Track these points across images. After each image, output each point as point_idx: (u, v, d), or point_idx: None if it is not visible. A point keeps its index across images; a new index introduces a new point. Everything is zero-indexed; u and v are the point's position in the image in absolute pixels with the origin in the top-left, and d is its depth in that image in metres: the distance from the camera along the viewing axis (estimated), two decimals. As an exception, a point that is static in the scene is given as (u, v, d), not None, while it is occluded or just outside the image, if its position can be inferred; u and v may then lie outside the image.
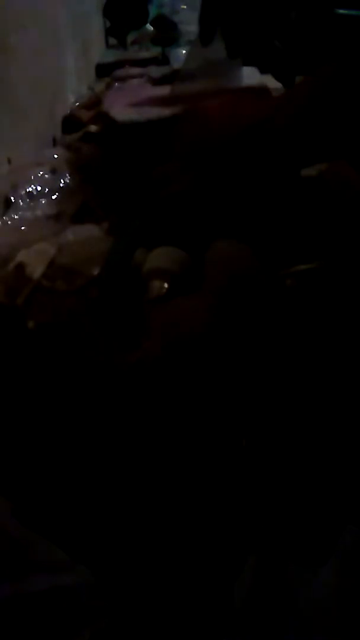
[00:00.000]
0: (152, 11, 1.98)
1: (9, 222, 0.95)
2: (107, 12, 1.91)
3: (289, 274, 0.71)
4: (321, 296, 0.69)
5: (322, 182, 0.81)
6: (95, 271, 0.79)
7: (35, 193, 1.01)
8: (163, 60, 1.69)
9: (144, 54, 1.78)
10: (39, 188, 1.02)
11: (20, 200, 0.99)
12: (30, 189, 1.01)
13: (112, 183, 1.02)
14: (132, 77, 1.46)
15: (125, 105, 1.14)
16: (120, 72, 1.53)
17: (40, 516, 0.59)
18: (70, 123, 1.31)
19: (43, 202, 1.00)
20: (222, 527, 0.59)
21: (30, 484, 0.62)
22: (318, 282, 0.70)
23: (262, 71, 1.25)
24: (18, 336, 0.72)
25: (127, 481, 0.60)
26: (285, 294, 0.70)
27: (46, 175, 1.05)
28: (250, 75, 1.14)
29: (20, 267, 0.81)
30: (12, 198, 0.99)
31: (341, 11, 1.18)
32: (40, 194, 1.01)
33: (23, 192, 1.00)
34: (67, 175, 1.06)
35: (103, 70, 1.67)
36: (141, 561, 0.58)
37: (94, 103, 1.34)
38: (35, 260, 0.82)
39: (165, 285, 0.71)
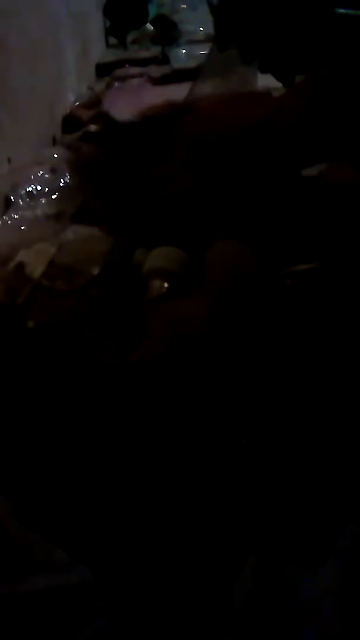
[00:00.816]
0: (152, 11, 1.97)
1: (9, 222, 0.95)
2: (107, 11, 1.91)
3: (289, 274, 0.71)
4: (321, 296, 0.69)
5: (323, 182, 0.81)
6: (95, 271, 0.79)
7: (35, 193, 1.01)
8: (163, 59, 1.69)
9: (144, 54, 1.77)
10: (39, 188, 1.02)
11: (20, 200, 1.00)
12: (30, 189, 1.01)
13: (112, 183, 1.02)
14: (132, 76, 1.46)
15: (129, 106, 1.14)
16: (120, 72, 1.53)
17: (40, 516, 0.59)
18: (70, 123, 1.31)
19: (43, 201, 1.00)
20: (222, 527, 0.59)
21: (30, 484, 0.61)
22: (318, 282, 0.70)
23: (262, 70, 1.25)
24: (18, 336, 0.72)
25: (127, 481, 0.60)
26: (285, 294, 0.70)
27: (46, 175, 1.05)
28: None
29: (20, 266, 0.81)
30: (12, 198, 0.99)
31: (341, 10, 1.18)
32: (40, 193, 1.01)
33: (23, 191, 1.01)
34: (67, 174, 1.06)
35: (103, 70, 1.67)
36: (141, 561, 0.58)
37: (94, 103, 1.34)
38: (35, 259, 0.82)
39: (166, 285, 0.71)
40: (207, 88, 1.08)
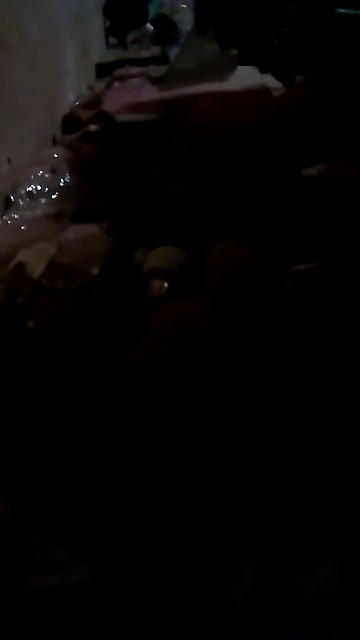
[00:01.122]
0: (152, 11, 1.98)
1: (9, 222, 0.95)
2: (107, 11, 1.91)
3: (289, 274, 0.71)
4: (321, 296, 0.69)
5: (323, 182, 0.81)
6: (95, 271, 0.79)
7: (35, 192, 1.01)
8: (163, 59, 1.69)
9: (144, 54, 1.78)
10: (39, 187, 1.02)
11: (20, 200, 0.99)
12: (30, 189, 1.01)
13: (111, 182, 1.02)
14: (132, 76, 1.46)
15: (124, 105, 1.14)
16: (120, 72, 1.53)
17: (40, 516, 0.59)
18: (70, 122, 1.31)
19: (43, 201, 1.00)
20: (222, 527, 0.59)
21: (30, 484, 0.61)
22: (318, 282, 0.70)
23: (262, 70, 1.25)
24: (18, 336, 0.72)
25: (127, 481, 0.60)
26: (285, 294, 0.70)
27: (46, 175, 1.05)
28: (250, 75, 1.14)
29: (20, 266, 0.80)
30: (12, 197, 0.99)
31: (341, 10, 1.18)
32: (40, 193, 1.01)
33: (23, 191, 1.00)
34: (67, 174, 1.06)
35: (103, 70, 1.67)
36: (141, 561, 0.58)
37: (94, 102, 1.34)
38: (35, 259, 0.82)
39: (166, 284, 0.71)
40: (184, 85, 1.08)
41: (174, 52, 1.71)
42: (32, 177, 1.03)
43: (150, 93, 1.24)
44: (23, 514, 0.58)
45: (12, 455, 0.64)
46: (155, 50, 1.79)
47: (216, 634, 0.56)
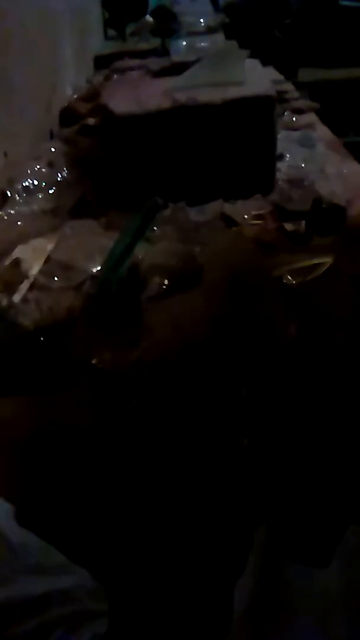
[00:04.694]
0: (152, 2, 1.98)
1: (6, 217, 0.94)
2: (106, 3, 1.91)
3: (288, 271, 0.71)
4: (321, 294, 0.69)
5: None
6: (93, 267, 0.78)
7: (32, 187, 1.00)
8: (162, 51, 1.68)
9: (143, 46, 1.77)
10: (35, 182, 1.01)
11: (16, 195, 0.99)
12: (27, 183, 1.00)
13: (110, 177, 1.01)
14: (131, 68, 1.45)
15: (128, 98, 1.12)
16: (119, 64, 1.53)
17: (41, 519, 0.58)
18: (68, 116, 1.30)
19: (40, 196, 0.99)
20: (223, 527, 0.59)
21: (30, 486, 0.61)
22: (317, 280, 0.70)
23: (264, 63, 1.24)
24: (16, 335, 0.71)
25: (127, 482, 0.60)
26: (285, 292, 0.69)
27: (43, 169, 1.04)
28: (251, 68, 1.13)
29: (17, 262, 0.80)
30: (8, 192, 0.99)
31: (344, 3, 1.18)
32: (37, 188, 1.01)
33: (20, 186, 1.00)
34: (65, 169, 1.05)
35: (102, 62, 1.67)
36: (142, 563, 0.58)
37: (92, 95, 1.33)
38: (31, 256, 0.81)
39: (165, 282, 0.71)
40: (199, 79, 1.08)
41: (173, 44, 1.71)
42: (28, 171, 1.03)
43: (151, 86, 1.22)
44: (23, 517, 0.57)
45: (12, 456, 0.63)
46: (154, 42, 1.79)
47: (216, 635, 0.55)
